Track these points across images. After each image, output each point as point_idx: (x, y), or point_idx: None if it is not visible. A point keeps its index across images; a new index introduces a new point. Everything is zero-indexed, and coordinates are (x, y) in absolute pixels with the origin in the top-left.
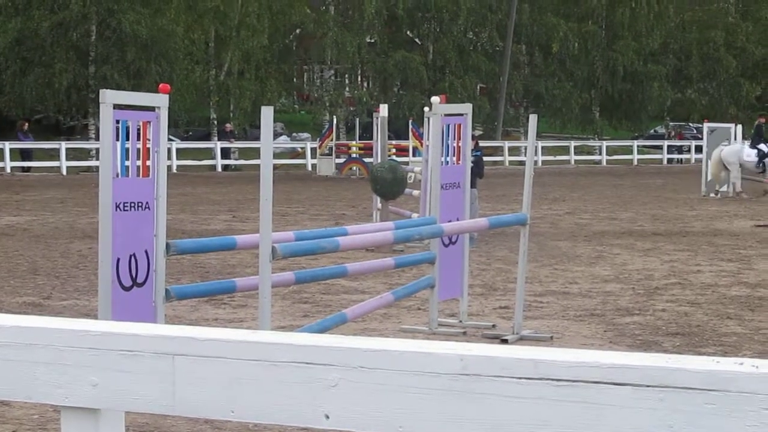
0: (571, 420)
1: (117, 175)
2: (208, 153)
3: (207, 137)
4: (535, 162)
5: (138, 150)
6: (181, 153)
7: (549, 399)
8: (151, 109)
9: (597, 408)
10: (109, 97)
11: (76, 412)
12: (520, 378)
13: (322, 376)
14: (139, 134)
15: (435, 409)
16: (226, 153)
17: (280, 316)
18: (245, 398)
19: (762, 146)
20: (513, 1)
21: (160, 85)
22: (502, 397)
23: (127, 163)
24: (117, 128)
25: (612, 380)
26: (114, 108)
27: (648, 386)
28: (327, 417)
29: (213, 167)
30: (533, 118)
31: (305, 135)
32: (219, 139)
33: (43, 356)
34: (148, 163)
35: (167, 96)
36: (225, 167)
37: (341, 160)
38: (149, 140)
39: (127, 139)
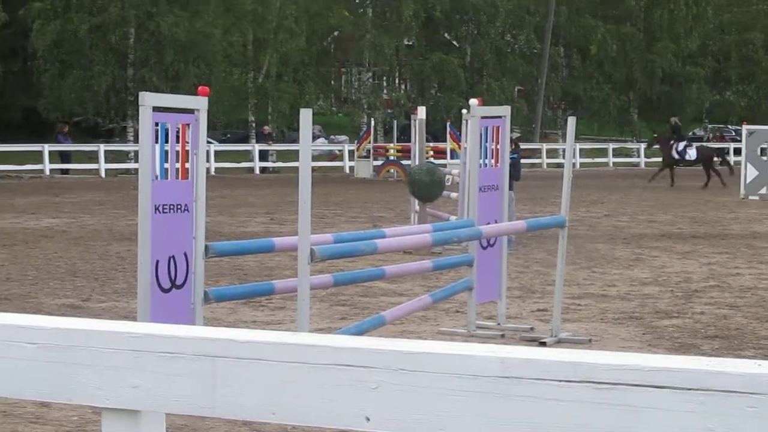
0: (611, 423)
1: (156, 178)
2: (246, 155)
3: (245, 140)
4: (573, 164)
5: (177, 152)
6: (219, 155)
7: (589, 402)
8: (190, 111)
9: (637, 411)
10: (148, 99)
11: (117, 413)
12: (560, 381)
13: (363, 379)
14: (178, 137)
15: (475, 412)
16: (264, 155)
17: (318, 318)
18: (285, 400)
19: (681, 145)
20: (551, 3)
21: (199, 88)
22: (542, 400)
23: (166, 165)
24: (156, 131)
25: (652, 383)
26: (153, 110)
27: (688, 389)
28: (368, 419)
29: (251, 170)
30: (572, 121)
31: (343, 137)
32: (257, 142)
33: (83, 358)
34: (187, 165)
35: (206, 98)
36: (263, 170)
37: (379, 163)
38: (188, 143)
39: (166, 142)
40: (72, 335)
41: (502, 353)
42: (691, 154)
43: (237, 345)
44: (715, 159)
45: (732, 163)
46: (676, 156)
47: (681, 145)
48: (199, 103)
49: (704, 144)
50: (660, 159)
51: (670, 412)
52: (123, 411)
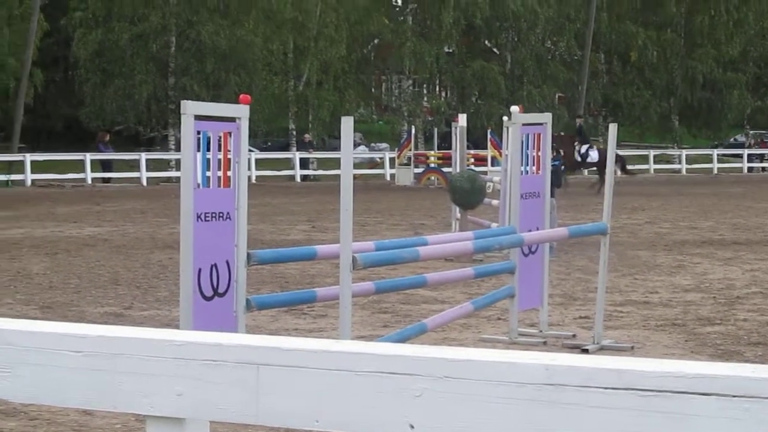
0: (656, 430)
1: (198, 186)
2: (287, 163)
3: (286, 147)
4: (615, 171)
5: (219, 161)
6: (260, 163)
7: (634, 409)
8: (232, 119)
9: (682, 418)
10: (190, 108)
11: (162, 421)
12: (605, 388)
13: (407, 386)
14: (219, 145)
15: (520, 419)
16: (304, 163)
17: (359, 325)
18: (329, 408)
19: (584, 147)
20: (591, 10)
21: (241, 96)
22: (587, 408)
23: (208, 173)
24: (198, 139)
25: (697, 390)
26: (195, 119)
27: (733, 396)
28: (412, 427)
29: (292, 177)
30: (613, 127)
31: (383, 145)
32: (298, 150)
33: (128, 366)
34: (229, 173)
35: (248, 107)
36: (304, 177)
37: (420, 170)
38: (230, 151)
39: (208, 150)
40: (116, 343)
41: (546, 360)
42: (593, 156)
43: (281, 353)
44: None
45: (632, 171)
46: (579, 158)
47: (584, 147)
48: (241, 111)
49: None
50: (698, 166)
51: (715, 419)
52: (167, 419)
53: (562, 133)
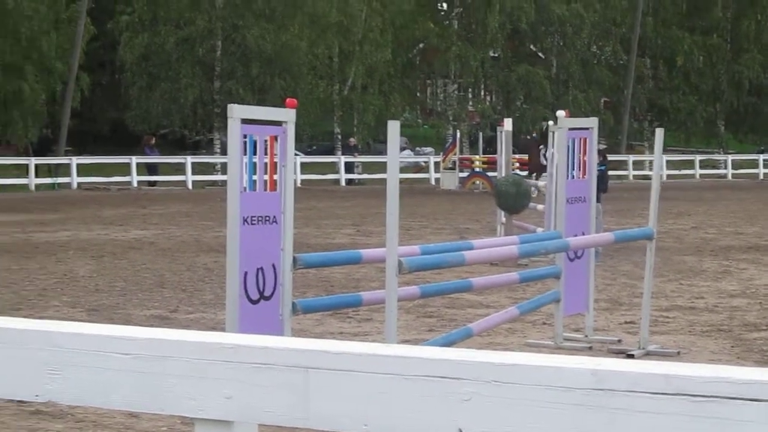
0: None
1: (244, 189)
2: (332, 167)
3: (331, 151)
4: (660, 176)
5: (265, 164)
6: (305, 167)
7: (682, 414)
8: (278, 123)
9: (731, 424)
10: (236, 111)
11: (210, 424)
12: (653, 393)
13: (456, 390)
14: (266, 148)
15: (568, 424)
16: (349, 167)
17: (405, 329)
18: (378, 412)
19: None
20: (637, 15)
21: (287, 100)
22: (635, 413)
23: (254, 177)
24: (244, 143)
25: (746, 396)
26: (242, 122)
27: None
28: (460, 431)
29: (336, 181)
30: (659, 132)
31: (428, 149)
32: (343, 154)
33: (176, 368)
34: (275, 177)
35: (294, 110)
36: (348, 181)
37: (464, 174)
38: (276, 154)
39: (255, 154)
40: (165, 346)
41: (593, 365)
42: None
43: (330, 356)
44: None
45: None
46: (545, 162)
47: (550, 151)
48: (287, 115)
49: None
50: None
51: (765, 425)
52: (216, 422)
53: (527, 137)
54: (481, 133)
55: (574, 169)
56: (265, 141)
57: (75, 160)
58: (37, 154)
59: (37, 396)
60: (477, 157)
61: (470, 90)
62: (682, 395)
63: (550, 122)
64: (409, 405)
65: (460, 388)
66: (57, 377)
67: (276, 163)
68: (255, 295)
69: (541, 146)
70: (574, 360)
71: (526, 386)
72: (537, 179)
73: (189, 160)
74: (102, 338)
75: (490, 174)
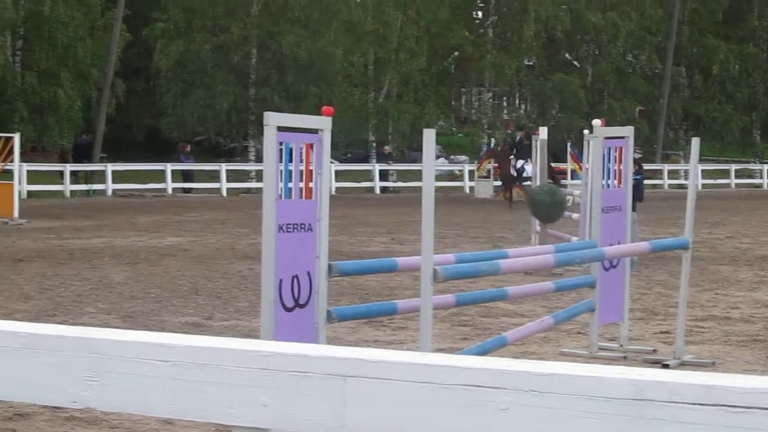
0: None
1: (280, 197)
2: (367, 175)
3: (365, 159)
4: (696, 185)
5: (301, 172)
6: (340, 175)
7: (722, 425)
8: (314, 131)
9: None
10: (272, 119)
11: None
12: (693, 404)
13: (493, 400)
14: (301, 156)
15: None
16: (384, 175)
17: (439, 338)
18: (415, 421)
19: (521, 161)
20: (673, 23)
21: (324, 108)
22: (674, 423)
23: (290, 185)
24: (280, 150)
25: None
26: (277, 130)
27: None
28: None
29: (371, 189)
30: (695, 142)
31: (463, 157)
32: (377, 161)
33: (214, 376)
34: (311, 185)
35: (330, 118)
36: (383, 189)
37: (499, 183)
38: (312, 162)
39: (290, 161)
40: (203, 353)
41: (634, 375)
42: (529, 170)
43: (368, 364)
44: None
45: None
46: (514, 173)
47: (519, 162)
48: (323, 123)
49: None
50: None
51: None
52: (252, 429)
53: (498, 147)
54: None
55: (609, 178)
56: (301, 149)
57: (110, 167)
58: (76, 159)
59: (74, 402)
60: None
61: (505, 98)
62: (722, 406)
63: (521, 132)
64: (446, 414)
65: (498, 397)
66: (95, 384)
67: (311, 170)
68: (290, 303)
69: (512, 156)
70: (613, 370)
71: (564, 396)
72: (507, 190)
73: (224, 167)
74: (141, 345)
75: (525, 183)
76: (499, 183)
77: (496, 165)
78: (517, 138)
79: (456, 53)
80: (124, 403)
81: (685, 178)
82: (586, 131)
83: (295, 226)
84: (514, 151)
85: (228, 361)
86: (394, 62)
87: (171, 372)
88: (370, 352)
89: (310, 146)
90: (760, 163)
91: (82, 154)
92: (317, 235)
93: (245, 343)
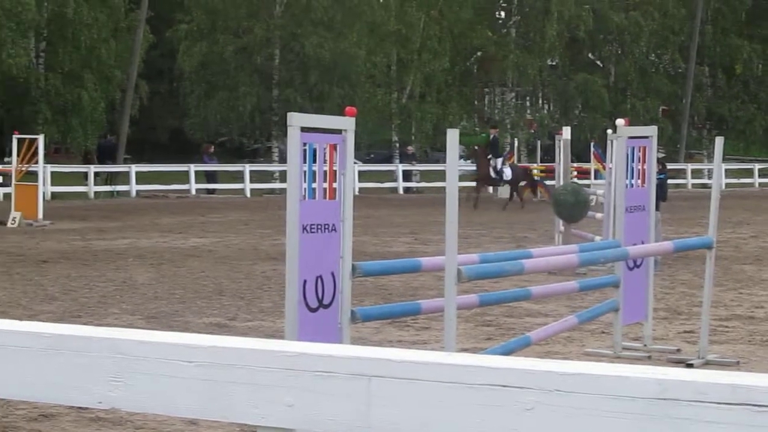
0: None
1: (303, 198)
2: (390, 175)
3: (389, 160)
4: (720, 185)
5: (324, 172)
6: (363, 175)
7: (748, 425)
8: (338, 131)
9: None
10: (296, 120)
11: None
12: (718, 403)
13: (518, 399)
14: (325, 157)
15: None
16: (407, 175)
17: (463, 338)
18: (440, 421)
19: (498, 161)
20: (696, 23)
21: (347, 109)
22: (700, 423)
23: (313, 185)
24: (304, 151)
25: None
26: (301, 131)
27: None
28: None
29: (394, 189)
30: (719, 141)
31: None
32: (400, 162)
33: (239, 376)
34: (335, 185)
35: (353, 119)
36: (406, 189)
37: (522, 183)
38: (335, 163)
39: (314, 162)
40: (228, 354)
41: (659, 375)
42: (507, 173)
43: (393, 364)
44: (522, 183)
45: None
46: (493, 174)
47: (498, 163)
48: (347, 123)
49: (518, 164)
50: None
51: None
52: (277, 429)
53: (476, 147)
54: (539, 142)
55: (633, 178)
56: (325, 149)
57: (134, 168)
58: (100, 161)
59: (100, 403)
60: (535, 165)
61: (528, 98)
62: (748, 405)
63: (494, 131)
64: (471, 414)
65: (523, 397)
66: (120, 384)
67: (335, 171)
68: (314, 303)
69: (490, 156)
70: (638, 369)
71: (589, 395)
72: (484, 188)
73: (247, 168)
74: (166, 346)
75: (548, 183)
76: (522, 183)
77: (521, 165)
78: (491, 137)
79: (479, 53)
80: (149, 403)
81: (709, 178)
82: (609, 131)
83: (319, 227)
84: (490, 150)
85: (253, 362)
86: (417, 63)
87: (196, 372)
88: (395, 352)
89: (334, 147)
90: None
91: (106, 155)
92: (341, 235)
93: (270, 344)
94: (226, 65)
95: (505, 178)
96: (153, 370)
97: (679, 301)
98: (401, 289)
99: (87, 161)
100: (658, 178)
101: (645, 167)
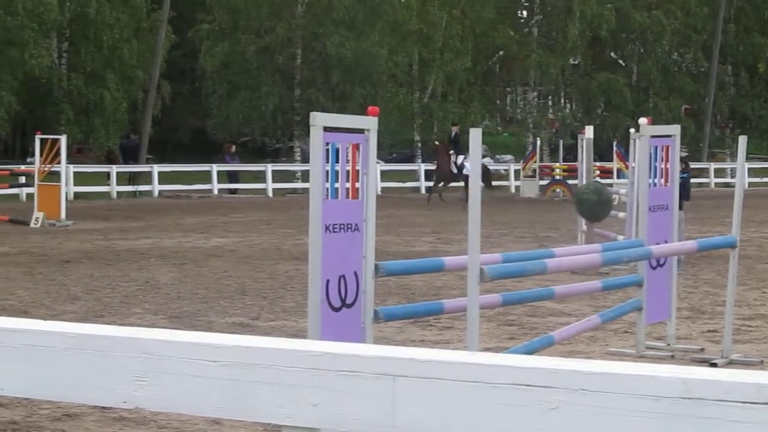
0: None
1: (326, 197)
2: (412, 175)
3: (410, 159)
4: (743, 184)
5: (347, 172)
6: (385, 175)
7: None
8: (360, 131)
9: None
10: (319, 119)
11: (297, 431)
12: (743, 402)
13: (543, 399)
14: (348, 156)
15: None
16: (429, 175)
17: (486, 337)
18: (465, 420)
19: (460, 158)
20: (718, 21)
21: (369, 108)
22: (725, 422)
23: (336, 185)
24: (326, 150)
25: None
26: (324, 130)
27: None
28: None
29: (416, 189)
30: (743, 140)
31: (508, 157)
32: (423, 161)
33: (264, 376)
34: (357, 185)
35: (376, 118)
36: (428, 189)
37: (545, 182)
38: (358, 162)
39: (337, 162)
40: (252, 353)
41: (684, 374)
42: (468, 168)
43: (418, 364)
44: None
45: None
46: (455, 170)
47: (460, 159)
48: (369, 123)
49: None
50: None
51: None
52: (302, 429)
53: (437, 143)
54: (561, 141)
55: (656, 177)
56: (347, 149)
57: (156, 168)
58: (123, 160)
59: (124, 402)
60: (557, 165)
61: (550, 98)
62: None
63: (456, 127)
64: (496, 413)
65: (548, 396)
66: (144, 384)
67: (358, 170)
68: (337, 303)
69: (451, 152)
70: (663, 368)
71: (614, 395)
72: (445, 186)
73: (269, 168)
74: (190, 346)
75: (570, 182)
76: (544, 182)
77: (543, 164)
78: (453, 133)
79: (501, 53)
80: (173, 403)
81: (732, 177)
82: (632, 130)
83: (342, 226)
84: (452, 147)
85: (277, 361)
86: (438, 62)
87: (220, 372)
88: (420, 351)
89: (356, 146)
90: None
91: (128, 155)
92: (364, 235)
93: (294, 343)
94: (248, 65)
95: (465, 173)
96: (177, 370)
97: (702, 301)
98: (424, 288)
99: (111, 161)
100: (681, 177)
101: (668, 166)
